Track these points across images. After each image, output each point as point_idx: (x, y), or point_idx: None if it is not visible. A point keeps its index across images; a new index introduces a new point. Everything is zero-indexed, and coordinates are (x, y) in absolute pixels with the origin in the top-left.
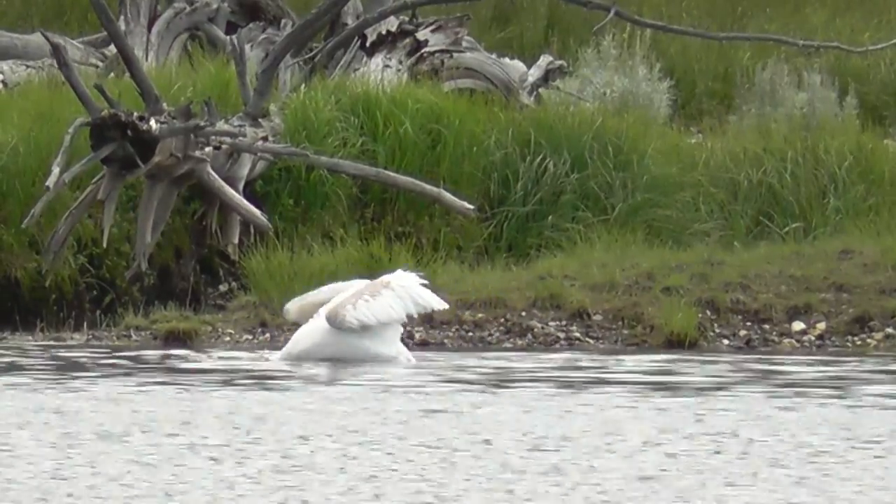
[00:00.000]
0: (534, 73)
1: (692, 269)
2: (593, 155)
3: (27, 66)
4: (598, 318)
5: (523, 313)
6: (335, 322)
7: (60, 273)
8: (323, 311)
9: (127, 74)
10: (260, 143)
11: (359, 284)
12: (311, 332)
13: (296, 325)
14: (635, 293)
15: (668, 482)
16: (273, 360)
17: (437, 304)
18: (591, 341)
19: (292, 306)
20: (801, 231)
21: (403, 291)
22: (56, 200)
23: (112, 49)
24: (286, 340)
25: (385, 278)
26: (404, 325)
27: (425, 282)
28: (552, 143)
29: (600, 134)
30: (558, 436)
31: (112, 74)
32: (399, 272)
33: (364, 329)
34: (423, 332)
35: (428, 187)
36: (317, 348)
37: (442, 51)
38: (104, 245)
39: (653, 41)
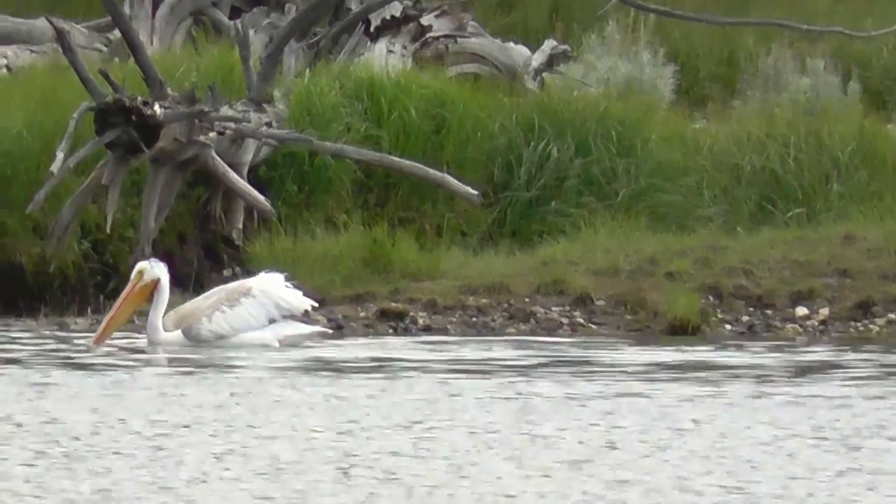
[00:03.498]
0: (538, 59)
1: (695, 254)
2: (597, 140)
3: (31, 51)
4: (601, 303)
5: (527, 299)
6: (190, 335)
7: (64, 258)
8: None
9: (131, 59)
10: (264, 128)
11: (223, 290)
12: (172, 342)
13: None
14: (638, 278)
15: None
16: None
17: (303, 305)
18: (594, 326)
19: (168, 320)
20: (805, 216)
21: (265, 297)
22: (60, 185)
23: (116, 34)
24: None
25: (247, 283)
26: (406, 313)
27: (289, 284)
28: (556, 128)
29: (604, 119)
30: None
31: (116, 59)
32: (262, 275)
33: (220, 339)
34: (427, 318)
35: (432, 172)
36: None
37: (446, 36)
38: (108, 230)
39: (656, 26)
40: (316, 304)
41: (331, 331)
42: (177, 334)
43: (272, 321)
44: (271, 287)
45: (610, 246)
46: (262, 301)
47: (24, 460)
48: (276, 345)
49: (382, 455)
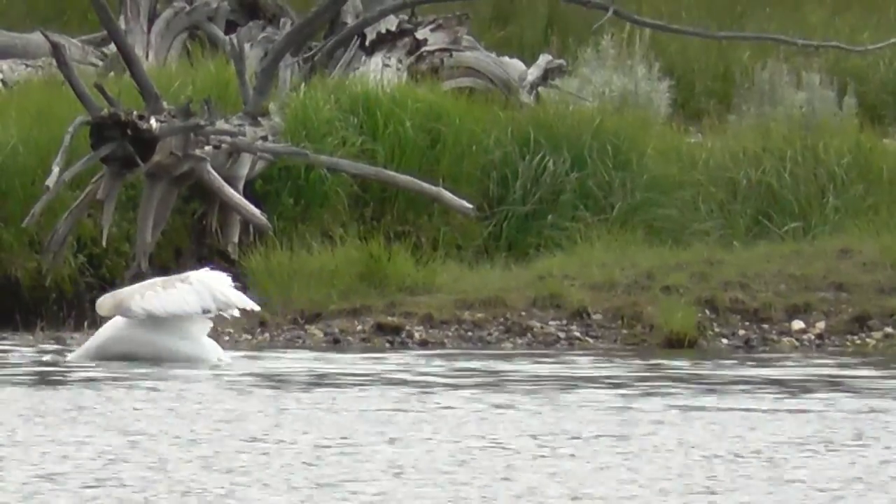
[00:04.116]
0: (533, 73)
1: (691, 268)
2: (593, 154)
3: (27, 65)
4: (597, 317)
5: (523, 313)
6: (121, 310)
7: (60, 272)
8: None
9: (127, 73)
10: (259, 142)
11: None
12: (107, 327)
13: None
14: (635, 292)
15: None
16: (71, 358)
17: (244, 303)
18: (591, 340)
19: (104, 302)
20: (801, 230)
21: (201, 286)
22: (56, 200)
23: (112, 48)
24: (285, 340)
25: (185, 274)
26: (402, 327)
27: (232, 284)
28: (552, 142)
29: (600, 133)
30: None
31: (112, 73)
32: (204, 270)
33: (152, 320)
34: (423, 332)
35: (427, 186)
36: (114, 343)
37: (441, 50)
38: (104, 244)
39: (652, 40)
40: (258, 308)
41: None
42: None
43: (206, 311)
44: (212, 280)
45: (606, 260)
46: (199, 289)
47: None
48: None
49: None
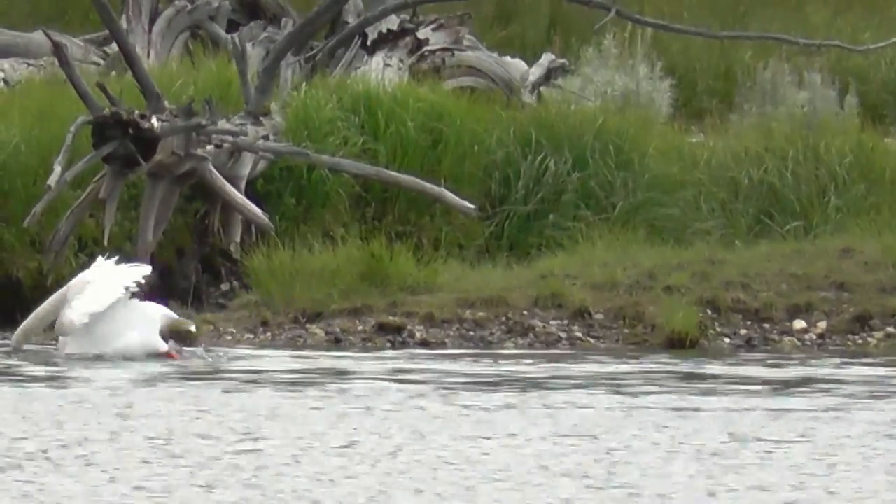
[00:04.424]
0: (535, 72)
1: (693, 267)
2: (595, 154)
3: (29, 65)
4: (599, 317)
5: (525, 312)
6: (65, 330)
7: (62, 272)
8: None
9: (128, 73)
10: (261, 141)
11: (64, 291)
12: (63, 346)
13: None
14: (636, 292)
15: None
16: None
17: (143, 270)
18: (593, 340)
19: (19, 337)
20: (802, 230)
21: (105, 278)
22: (57, 199)
23: (113, 47)
24: (286, 339)
25: (80, 277)
26: (403, 326)
27: (119, 261)
28: (553, 141)
29: (602, 133)
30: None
31: (113, 73)
32: (92, 266)
33: (94, 319)
34: (424, 332)
35: (429, 186)
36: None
37: (443, 49)
38: (106, 244)
39: (654, 40)
40: (149, 269)
41: (192, 324)
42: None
43: (127, 289)
44: (105, 270)
45: (608, 259)
46: (105, 279)
47: None
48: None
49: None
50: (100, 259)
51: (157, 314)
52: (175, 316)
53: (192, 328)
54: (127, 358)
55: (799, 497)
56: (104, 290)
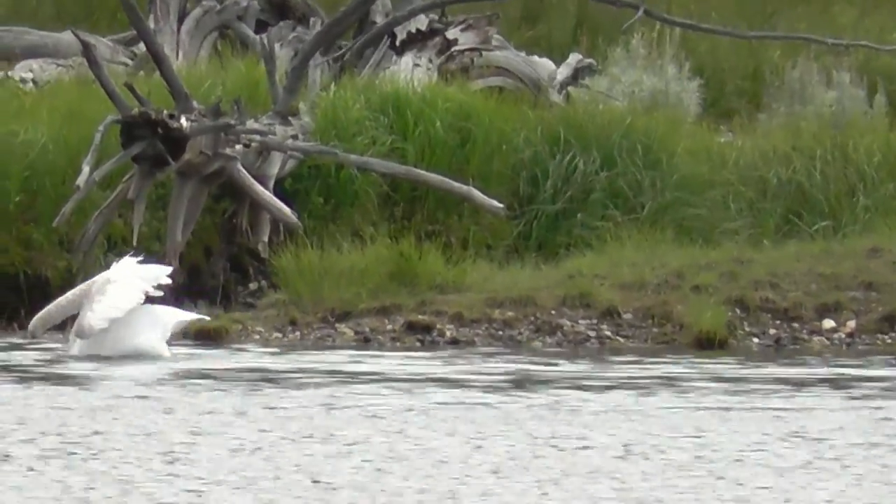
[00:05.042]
0: (563, 72)
1: (721, 267)
2: (622, 153)
3: (57, 65)
4: (627, 316)
5: (553, 312)
6: (84, 333)
7: (91, 272)
8: (73, 331)
9: (156, 73)
10: (290, 141)
11: (85, 287)
12: (72, 345)
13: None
14: (665, 292)
15: None
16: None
17: (163, 272)
18: (622, 340)
19: (37, 324)
20: (831, 229)
21: (127, 279)
22: (86, 199)
23: (141, 47)
24: (315, 339)
25: (102, 275)
26: (433, 325)
27: (141, 261)
28: (581, 141)
29: (630, 132)
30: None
31: (142, 73)
32: (114, 264)
33: (113, 323)
34: (454, 331)
35: (457, 186)
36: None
37: (471, 49)
38: (134, 244)
39: (682, 40)
40: (171, 268)
41: (208, 318)
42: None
43: (147, 294)
44: (128, 269)
45: (636, 259)
46: (127, 280)
47: None
48: (166, 352)
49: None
50: (125, 258)
51: (169, 318)
52: (191, 316)
53: (206, 319)
54: (133, 359)
55: None
56: (124, 294)
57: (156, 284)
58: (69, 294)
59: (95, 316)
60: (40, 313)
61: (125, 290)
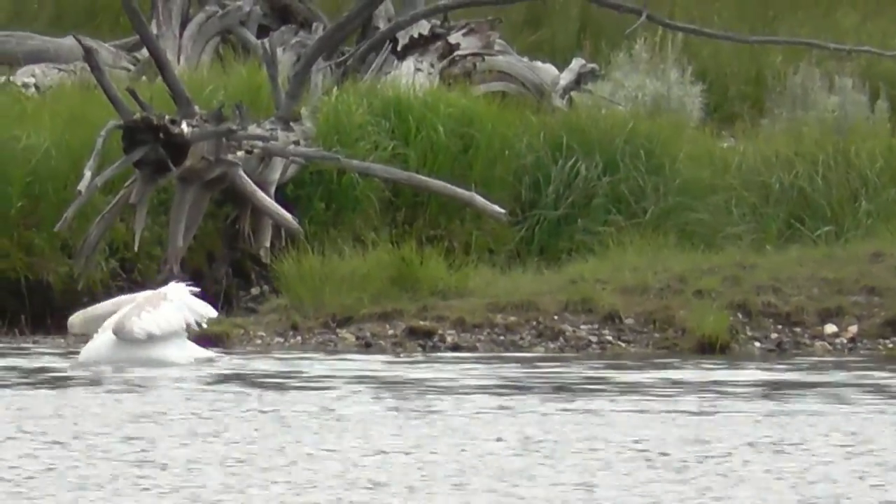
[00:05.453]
0: (566, 77)
1: (724, 272)
2: (625, 158)
3: (59, 70)
4: (629, 321)
5: (555, 317)
6: (122, 334)
7: (92, 277)
8: (109, 324)
9: (159, 78)
10: (291, 146)
11: (139, 297)
12: (98, 346)
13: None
14: (667, 296)
15: None
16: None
17: (209, 312)
18: (623, 345)
19: (76, 319)
20: (833, 234)
21: (180, 302)
22: (88, 204)
23: (144, 52)
24: (316, 343)
25: (161, 290)
26: (434, 331)
27: (195, 289)
28: (584, 146)
29: (632, 137)
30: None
31: (144, 78)
32: (172, 284)
33: (150, 338)
34: (455, 336)
35: (459, 191)
36: (106, 360)
37: (474, 54)
38: (136, 249)
39: (684, 44)
40: (216, 313)
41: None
42: (101, 340)
43: (188, 325)
44: (183, 293)
45: (638, 264)
46: (178, 305)
47: None
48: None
49: None
50: (178, 283)
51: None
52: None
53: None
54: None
55: None
56: (172, 317)
57: (200, 320)
58: (116, 300)
59: (141, 324)
60: (83, 311)
61: (174, 314)
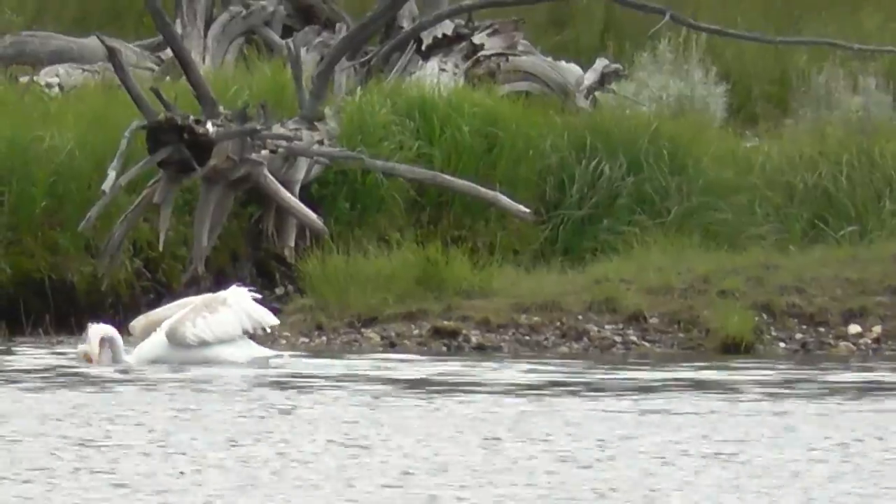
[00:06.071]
0: (590, 77)
1: (748, 272)
2: (649, 158)
3: (83, 70)
4: (654, 321)
5: (579, 317)
6: (175, 339)
7: (117, 276)
8: (164, 327)
9: (183, 78)
10: (316, 146)
11: (197, 300)
12: (152, 347)
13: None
14: (691, 296)
15: None
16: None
17: (270, 320)
18: (648, 344)
19: (138, 323)
20: (857, 234)
21: (239, 308)
22: (112, 204)
23: (168, 52)
24: (341, 343)
25: (221, 295)
26: (459, 330)
27: (258, 296)
28: (608, 146)
29: (656, 137)
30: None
31: (168, 78)
32: (233, 288)
33: (203, 345)
34: (480, 336)
35: (484, 191)
36: (161, 360)
37: (498, 54)
38: (160, 249)
39: (708, 45)
40: (277, 322)
41: (284, 354)
42: (154, 341)
43: (245, 332)
44: (243, 299)
45: (662, 264)
46: (237, 311)
47: None
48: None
49: None
50: (240, 287)
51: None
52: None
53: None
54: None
55: None
56: (229, 323)
57: (258, 328)
58: (177, 303)
59: (194, 330)
60: (146, 314)
61: (231, 320)
